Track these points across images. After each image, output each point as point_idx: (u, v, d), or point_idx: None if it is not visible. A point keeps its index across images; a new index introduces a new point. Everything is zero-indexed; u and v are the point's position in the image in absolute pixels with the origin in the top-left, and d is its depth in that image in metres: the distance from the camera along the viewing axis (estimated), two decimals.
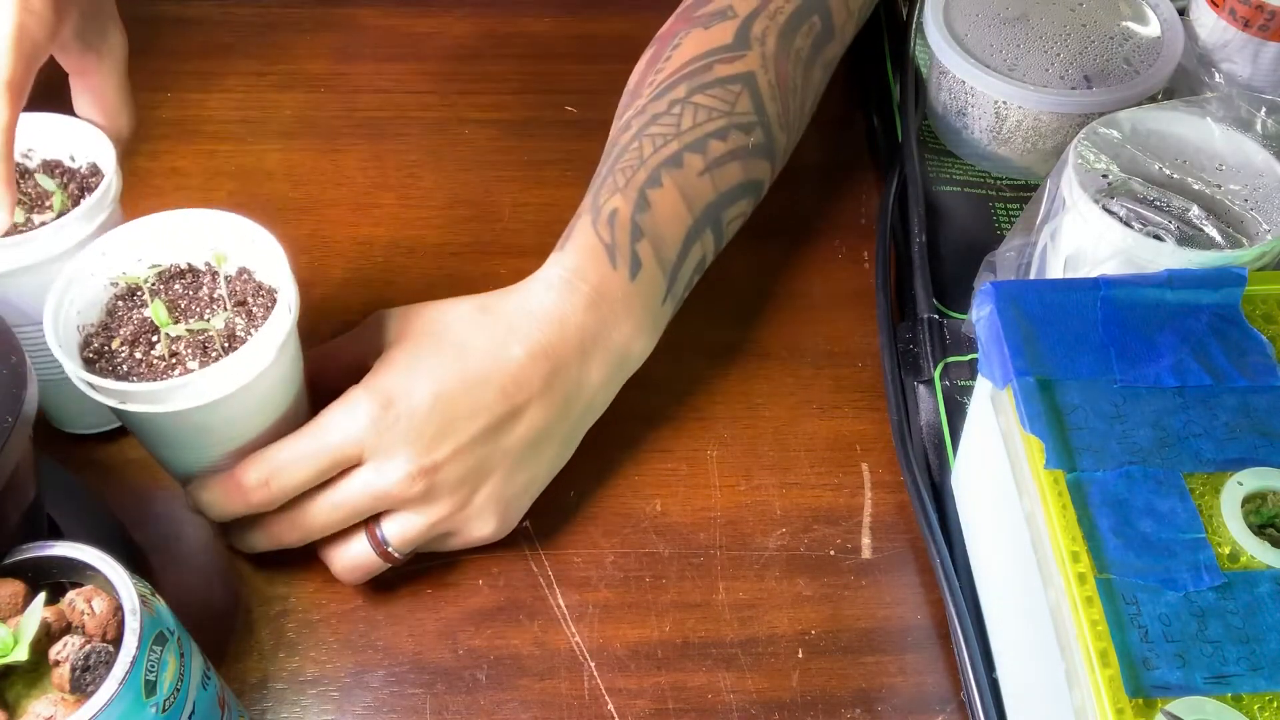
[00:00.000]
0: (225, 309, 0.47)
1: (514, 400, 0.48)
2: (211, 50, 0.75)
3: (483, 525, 0.49)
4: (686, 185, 0.53)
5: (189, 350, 0.45)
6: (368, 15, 0.77)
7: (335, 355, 0.51)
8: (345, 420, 0.46)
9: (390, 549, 0.48)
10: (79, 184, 0.51)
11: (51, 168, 0.51)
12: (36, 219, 0.49)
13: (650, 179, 0.52)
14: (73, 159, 0.52)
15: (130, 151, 0.68)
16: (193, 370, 0.45)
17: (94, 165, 0.51)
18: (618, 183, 0.52)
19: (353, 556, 0.48)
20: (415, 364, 0.47)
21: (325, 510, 0.47)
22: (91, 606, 0.37)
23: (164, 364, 0.45)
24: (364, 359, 0.49)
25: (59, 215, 0.49)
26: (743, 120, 0.55)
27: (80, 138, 0.51)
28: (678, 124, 0.54)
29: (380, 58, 0.75)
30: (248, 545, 0.49)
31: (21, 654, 0.36)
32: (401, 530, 0.48)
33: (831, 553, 0.52)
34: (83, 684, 0.35)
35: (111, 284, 0.48)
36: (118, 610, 0.37)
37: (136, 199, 0.66)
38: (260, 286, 0.48)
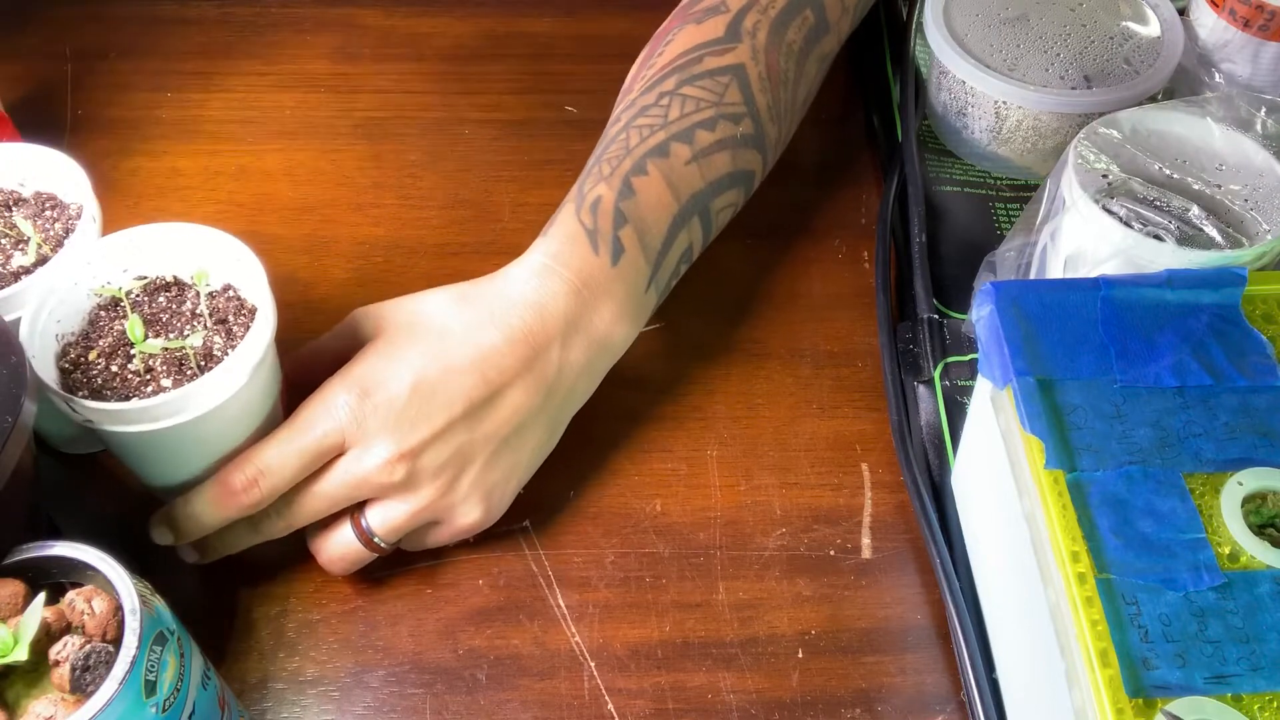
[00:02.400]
0: (205, 326, 0.47)
1: (493, 385, 0.48)
2: (211, 50, 0.75)
3: (467, 512, 0.49)
4: (673, 174, 0.53)
5: (164, 367, 0.45)
6: (368, 15, 0.77)
7: (319, 355, 0.51)
8: (324, 412, 0.46)
9: (375, 538, 0.48)
10: (65, 224, 0.50)
11: (44, 200, 0.51)
12: (15, 261, 0.49)
13: (635, 167, 0.52)
14: (65, 194, 0.52)
15: (130, 151, 0.69)
16: (166, 388, 0.44)
17: (81, 208, 0.51)
18: (603, 172, 0.52)
19: (338, 545, 0.48)
20: (393, 353, 0.48)
21: (308, 499, 0.47)
22: (91, 606, 0.37)
23: (138, 379, 0.45)
24: (348, 356, 0.49)
25: (36, 260, 0.49)
26: (731, 111, 0.55)
27: (74, 178, 0.51)
28: (665, 115, 0.54)
29: (380, 58, 0.75)
30: (230, 546, 0.49)
31: (21, 654, 0.36)
32: (385, 518, 0.48)
33: (831, 553, 0.52)
34: (83, 684, 0.35)
35: (95, 294, 0.47)
36: (118, 610, 0.37)
37: (136, 199, 0.66)
38: (243, 304, 0.47)
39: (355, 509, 0.48)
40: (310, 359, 0.51)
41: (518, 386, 0.48)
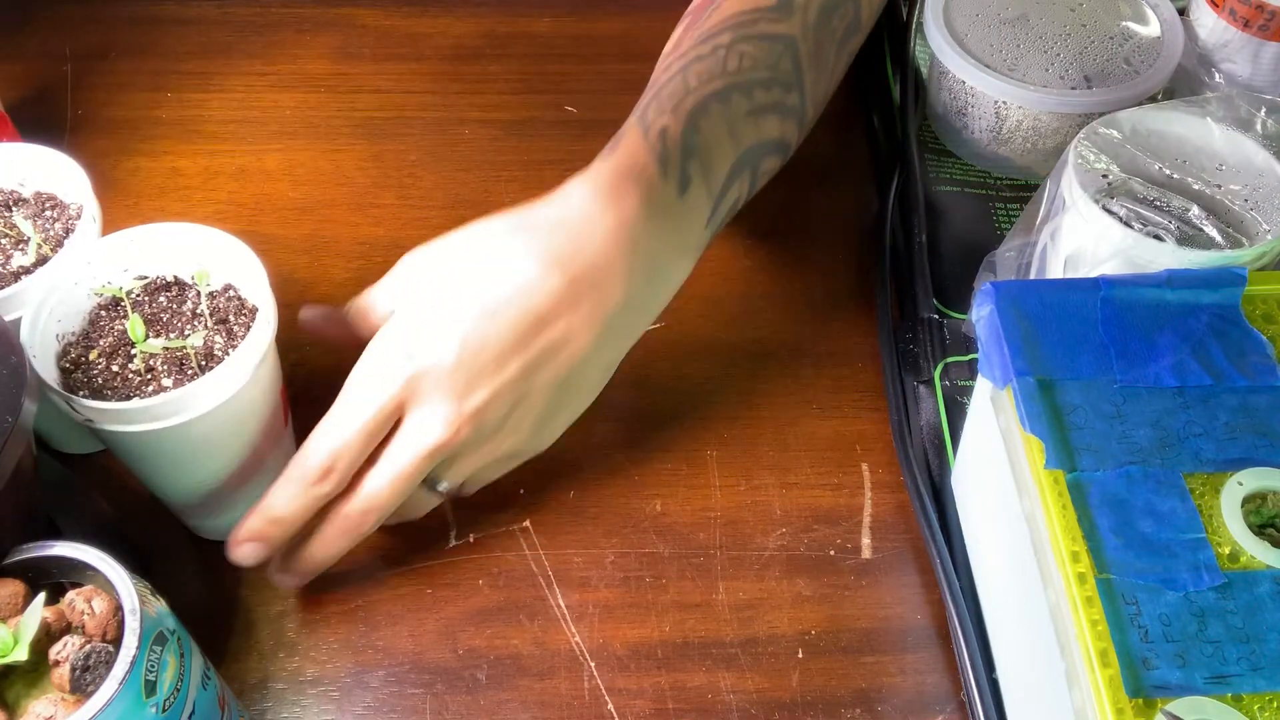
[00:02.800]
0: (205, 326, 0.47)
1: (551, 333, 0.46)
2: (211, 50, 0.75)
3: (525, 447, 0.49)
4: (733, 122, 0.51)
5: (165, 367, 0.45)
6: (368, 15, 0.77)
7: (369, 310, 0.49)
8: (377, 384, 0.45)
9: (441, 486, 0.47)
10: (65, 224, 0.50)
11: (44, 200, 0.51)
12: (15, 261, 0.49)
13: (698, 107, 0.50)
14: (66, 194, 0.52)
15: (130, 151, 0.69)
16: (167, 388, 0.44)
17: (81, 208, 0.50)
18: (664, 106, 0.50)
19: (409, 502, 0.48)
20: (439, 307, 0.45)
21: (390, 488, 0.45)
22: (91, 606, 0.37)
23: (139, 379, 0.45)
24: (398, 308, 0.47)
25: (36, 260, 0.49)
26: (784, 79, 0.53)
27: (74, 178, 0.51)
28: (723, 65, 0.52)
29: (380, 58, 0.75)
30: (328, 556, 0.47)
31: (21, 654, 0.36)
32: (455, 472, 0.47)
33: (831, 553, 0.52)
34: (83, 684, 0.35)
35: (96, 294, 0.47)
36: (118, 610, 0.37)
37: (136, 199, 0.66)
38: (244, 304, 0.47)
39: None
40: (361, 315, 0.50)
41: (577, 331, 0.46)
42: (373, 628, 0.50)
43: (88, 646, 0.36)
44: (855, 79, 0.74)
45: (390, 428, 0.46)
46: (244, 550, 0.46)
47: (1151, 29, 0.64)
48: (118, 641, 0.36)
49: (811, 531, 0.53)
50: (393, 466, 0.45)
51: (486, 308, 0.45)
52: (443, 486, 0.48)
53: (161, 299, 0.48)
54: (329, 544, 0.47)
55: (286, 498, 0.45)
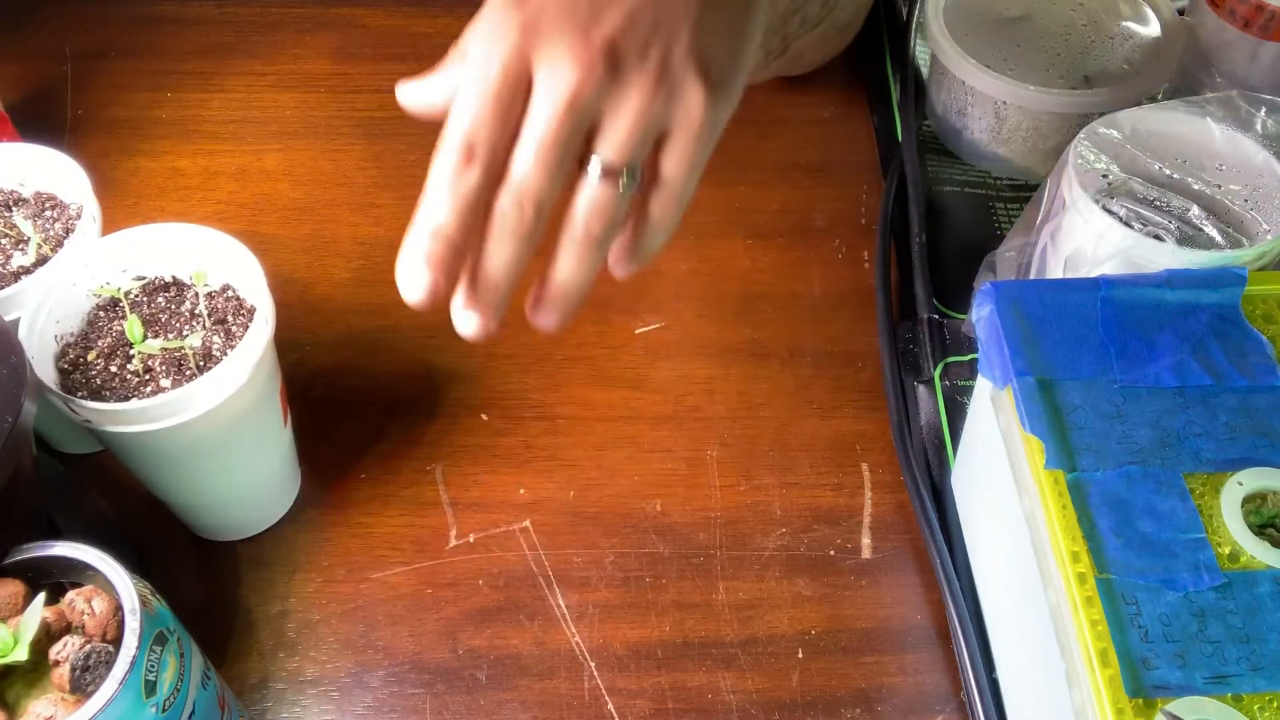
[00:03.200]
0: (204, 326, 0.47)
1: None
2: (211, 50, 0.75)
3: (693, 94, 0.40)
4: None
5: (163, 367, 0.45)
6: (368, 15, 0.77)
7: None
8: (489, 43, 0.38)
9: (613, 168, 0.39)
10: (65, 224, 0.50)
11: (44, 200, 0.51)
12: (15, 261, 0.49)
13: None
14: (65, 194, 0.52)
15: (130, 151, 0.69)
16: (165, 389, 0.44)
17: (81, 208, 0.51)
18: None
19: (586, 203, 0.39)
20: None
21: (536, 161, 0.38)
22: (91, 606, 0.37)
23: (137, 379, 0.45)
24: None
25: (36, 260, 0.49)
26: None
27: (74, 178, 0.51)
28: None
29: (380, 58, 0.75)
30: (505, 269, 0.39)
31: (21, 654, 0.36)
32: (610, 138, 0.39)
33: (831, 553, 0.52)
34: (83, 684, 0.35)
35: (94, 294, 0.47)
36: (118, 610, 0.37)
37: (136, 199, 0.66)
38: (242, 304, 0.47)
39: (581, 163, 0.39)
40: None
41: None
42: (373, 628, 0.50)
43: (88, 646, 0.36)
44: (855, 79, 0.74)
45: (525, 94, 0.39)
46: (411, 280, 0.38)
47: (1151, 29, 0.64)
48: (118, 641, 0.36)
49: (811, 531, 0.53)
50: (534, 134, 0.38)
51: None
52: (614, 167, 0.39)
53: (160, 299, 0.48)
54: (499, 253, 0.39)
55: (436, 200, 0.38)
